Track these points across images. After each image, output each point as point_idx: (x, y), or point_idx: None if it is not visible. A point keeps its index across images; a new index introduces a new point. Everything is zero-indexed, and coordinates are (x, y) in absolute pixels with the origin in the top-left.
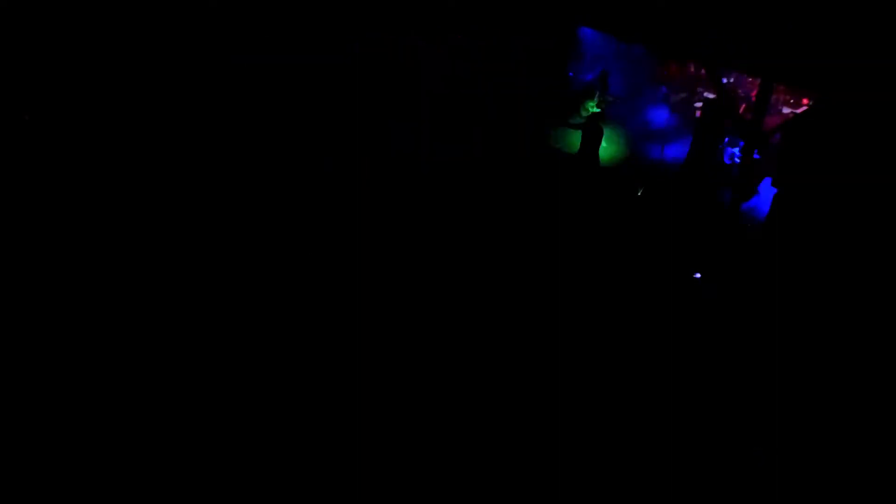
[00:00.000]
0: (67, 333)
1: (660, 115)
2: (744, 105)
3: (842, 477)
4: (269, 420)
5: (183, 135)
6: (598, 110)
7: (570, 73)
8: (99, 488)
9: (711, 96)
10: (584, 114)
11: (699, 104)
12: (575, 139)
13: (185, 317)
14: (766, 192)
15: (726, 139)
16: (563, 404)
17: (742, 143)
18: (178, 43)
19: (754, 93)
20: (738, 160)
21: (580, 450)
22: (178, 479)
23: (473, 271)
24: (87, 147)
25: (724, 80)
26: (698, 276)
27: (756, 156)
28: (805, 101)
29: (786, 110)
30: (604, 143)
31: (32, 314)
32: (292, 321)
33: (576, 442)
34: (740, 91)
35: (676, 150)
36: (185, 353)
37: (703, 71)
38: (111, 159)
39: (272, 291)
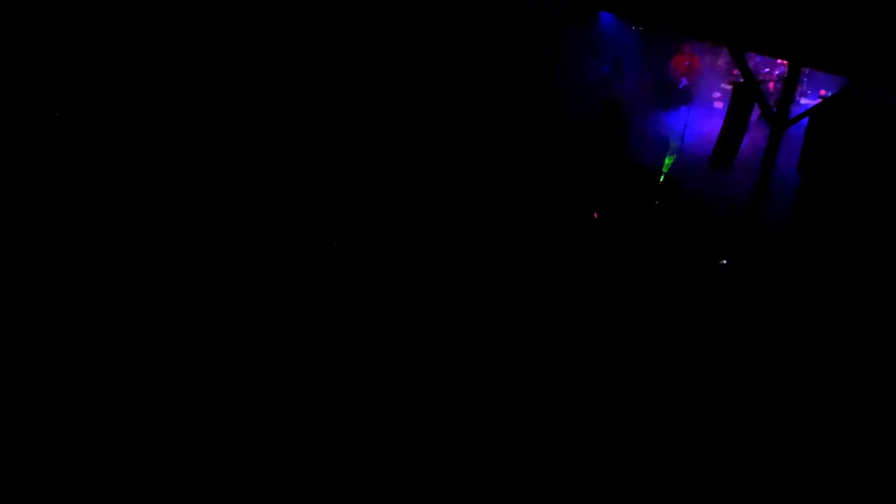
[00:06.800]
0: (68, 332)
1: (681, 104)
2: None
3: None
4: (269, 420)
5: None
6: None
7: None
8: (99, 488)
9: (738, 81)
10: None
11: (717, 95)
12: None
13: (189, 315)
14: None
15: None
16: (582, 390)
17: None
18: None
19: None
20: None
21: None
22: (179, 479)
23: (496, 255)
24: (91, 147)
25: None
26: (724, 262)
27: None
28: (822, 92)
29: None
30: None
31: (32, 314)
32: (292, 320)
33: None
34: (764, 75)
35: (698, 139)
36: (186, 352)
37: (719, 61)
38: (126, 161)
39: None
